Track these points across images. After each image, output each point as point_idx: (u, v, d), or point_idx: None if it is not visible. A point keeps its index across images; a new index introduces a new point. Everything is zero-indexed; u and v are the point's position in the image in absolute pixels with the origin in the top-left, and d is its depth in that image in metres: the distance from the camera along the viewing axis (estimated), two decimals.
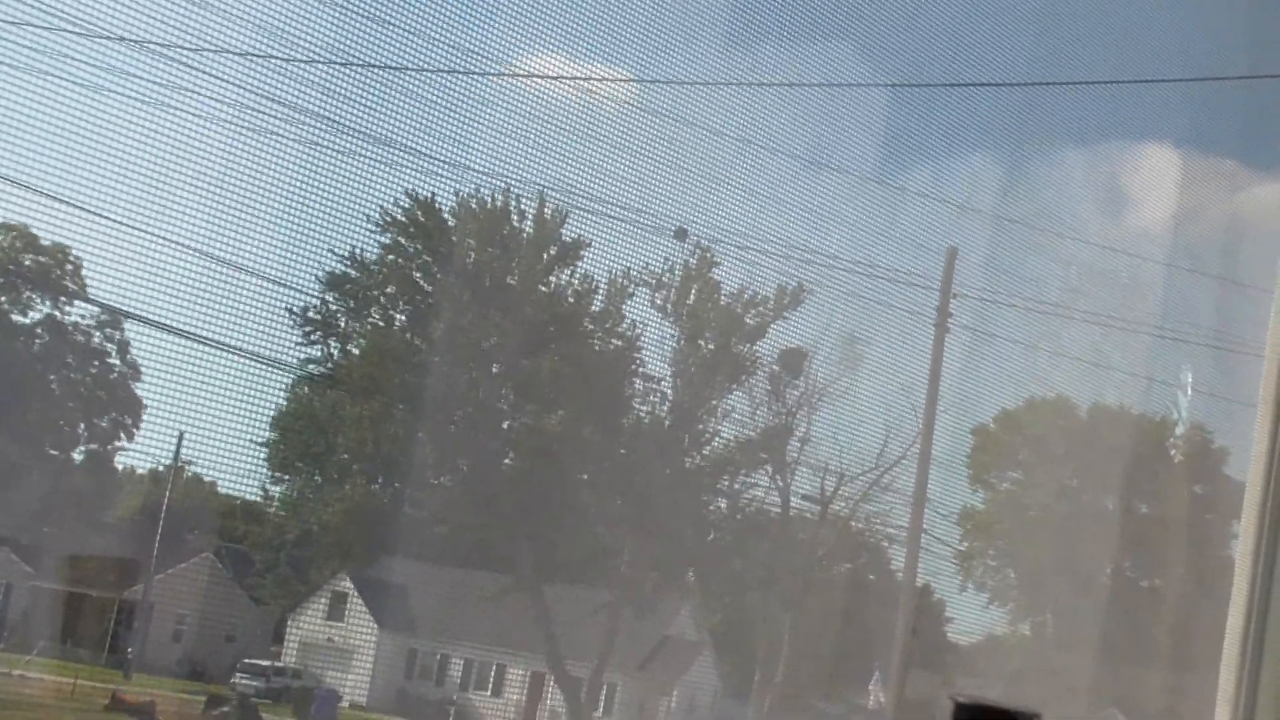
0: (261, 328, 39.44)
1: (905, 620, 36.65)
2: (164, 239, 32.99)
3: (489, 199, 41.60)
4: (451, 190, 41.63)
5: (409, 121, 33.86)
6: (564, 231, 41.92)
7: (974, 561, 48.20)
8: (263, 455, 41.97)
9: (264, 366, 36.81)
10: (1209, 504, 42.11)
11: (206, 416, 37.17)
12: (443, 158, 35.94)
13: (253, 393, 37.68)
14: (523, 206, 41.49)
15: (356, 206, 40.08)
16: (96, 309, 44.80)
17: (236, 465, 40.44)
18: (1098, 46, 24.66)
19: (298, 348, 40.71)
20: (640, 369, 44.53)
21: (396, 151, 34.51)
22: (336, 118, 32.86)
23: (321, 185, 35.22)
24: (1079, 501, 44.92)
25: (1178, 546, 41.03)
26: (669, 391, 44.56)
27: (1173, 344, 34.33)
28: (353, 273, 41.72)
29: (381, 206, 40.46)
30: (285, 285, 37.94)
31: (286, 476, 43.84)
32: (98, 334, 46.38)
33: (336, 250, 40.56)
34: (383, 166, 36.71)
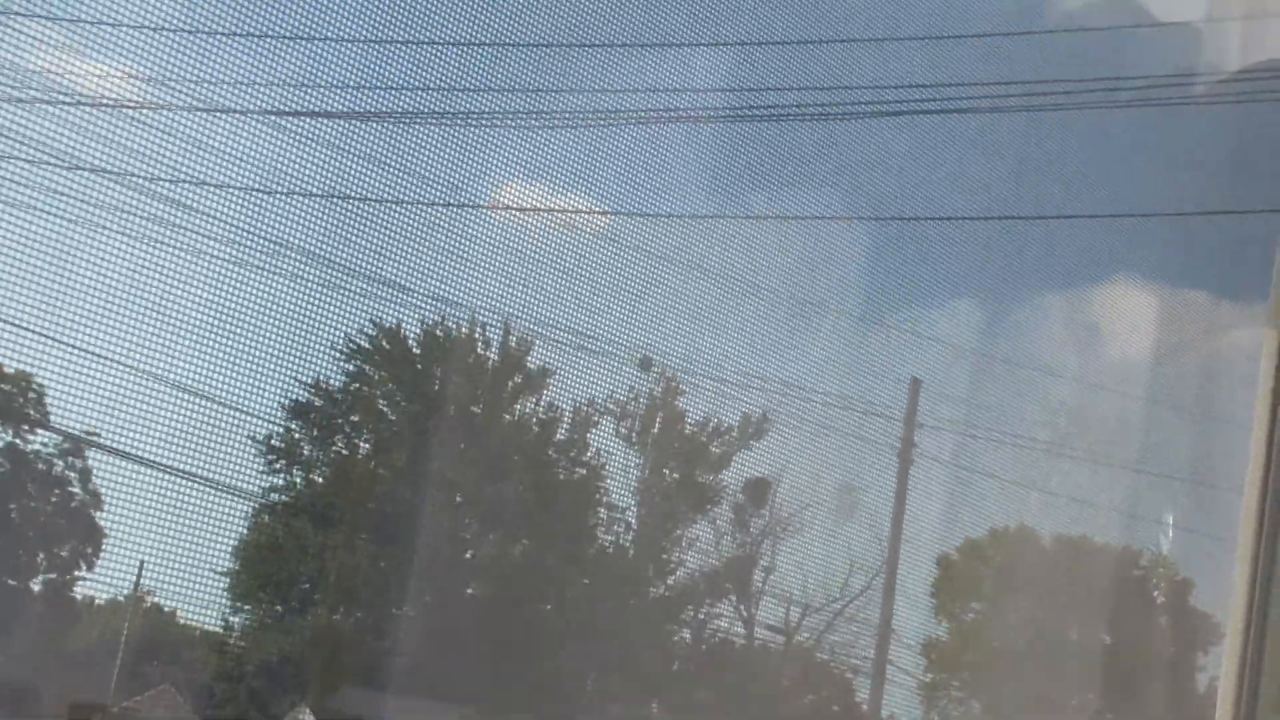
0: (224, 456, 39.21)
1: None
2: (126, 366, 32.75)
3: (454, 327, 41.61)
4: (418, 319, 41.61)
5: (379, 252, 33.93)
6: (529, 360, 41.91)
7: (939, 693, 48.01)
8: (224, 584, 41.46)
9: (226, 495, 36.47)
10: (1175, 635, 42.22)
11: (168, 545, 36.62)
12: (413, 288, 36.01)
13: (215, 521, 37.23)
14: (489, 335, 41.52)
15: (322, 334, 39.97)
16: (58, 437, 44.48)
17: (197, 595, 39.88)
18: (1077, 182, 25.15)
19: (261, 476, 40.42)
20: (604, 498, 44.37)
21: (367, 282, 34.51)
22: (305, 247, 32.92)
23: (287, 314, 35.18)
24: (1043, 631, 44.93)
25: (1144, 677, 41.09)
26: (632, 521, 44.41)
27: (1143, 476, 34.61)
28: (317, 400, 41.54)
29: (347, 334, 40.43)
30: (249, 413, 37.72)
31: (247, 606, 43.30)
32: (59, 462, 45.92)
33: (301, 378, 40.46)
34: (352, 296, 36.70)
